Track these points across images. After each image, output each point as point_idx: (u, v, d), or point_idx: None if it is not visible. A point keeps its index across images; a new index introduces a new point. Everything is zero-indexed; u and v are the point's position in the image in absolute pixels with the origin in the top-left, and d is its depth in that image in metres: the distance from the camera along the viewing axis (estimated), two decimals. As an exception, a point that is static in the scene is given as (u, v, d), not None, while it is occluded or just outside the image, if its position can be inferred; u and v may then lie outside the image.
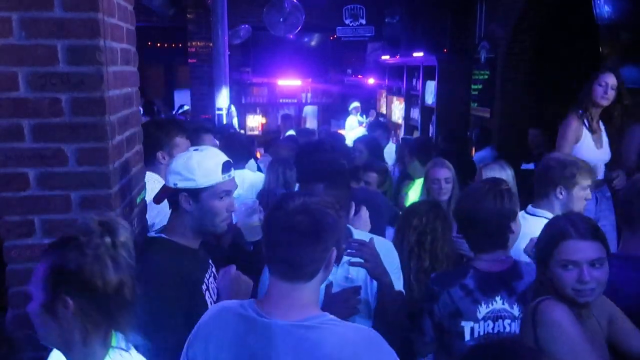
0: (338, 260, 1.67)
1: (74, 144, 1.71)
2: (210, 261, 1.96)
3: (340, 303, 1.76)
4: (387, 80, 8.69)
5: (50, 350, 1.38)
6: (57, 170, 1.71)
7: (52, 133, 1.69)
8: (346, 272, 1.96)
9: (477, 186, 2.12)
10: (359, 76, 9.87)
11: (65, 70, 1.67)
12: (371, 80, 9.50)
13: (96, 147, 1.72)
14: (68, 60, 1.66)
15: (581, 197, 2.40)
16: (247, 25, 8.15)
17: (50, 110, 1.68)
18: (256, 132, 9.62)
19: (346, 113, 8.77)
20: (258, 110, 9.88)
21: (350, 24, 8.95)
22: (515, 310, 1.89)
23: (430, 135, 6.69)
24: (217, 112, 6.36)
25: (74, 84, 1.67)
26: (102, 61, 1.68)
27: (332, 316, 1.35)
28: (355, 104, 8.52)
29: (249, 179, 3.70)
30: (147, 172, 2.25)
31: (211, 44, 6.60)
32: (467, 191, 2.14)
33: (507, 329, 1.88)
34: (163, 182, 2.00)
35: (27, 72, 1.66)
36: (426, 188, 3.35)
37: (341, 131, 7.47)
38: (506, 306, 1.90)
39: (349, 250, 1.82)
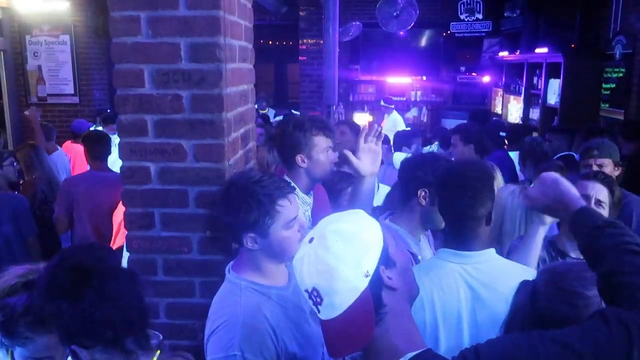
0: None
1: (192, 140, 1.74)
2: None
3: None
4: (504, 79, 8.18)
5: None
6: (176, 165, 1.75)
7: (172, 129, 1.73)
8: None
9: None
10: (473, 74, 9.37)
11: (187, 68, 1.70)
12: (486, 79, 8.99)
13: (213, 143, 1.73)
14: (190, 57, 1.69)
15: None
16: (357, 22, 8.08)
17: (172, 107, 1.72)
18: (363, 130, 9.48)
19: (458, 113, 8.37)
20: (366, 108, 9.77)
21: (466, 19, 8.54)
22: None
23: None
24: (326, 109, 6.36)
25: (194, 81, 1.70)
26: (221, 58, 1.69)
27: None
28: None
29: None
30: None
31: (321, 42, 6.61)
32: None
33: None
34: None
35: (152, 69, 1.71)
36: None
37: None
38: None
39: None
